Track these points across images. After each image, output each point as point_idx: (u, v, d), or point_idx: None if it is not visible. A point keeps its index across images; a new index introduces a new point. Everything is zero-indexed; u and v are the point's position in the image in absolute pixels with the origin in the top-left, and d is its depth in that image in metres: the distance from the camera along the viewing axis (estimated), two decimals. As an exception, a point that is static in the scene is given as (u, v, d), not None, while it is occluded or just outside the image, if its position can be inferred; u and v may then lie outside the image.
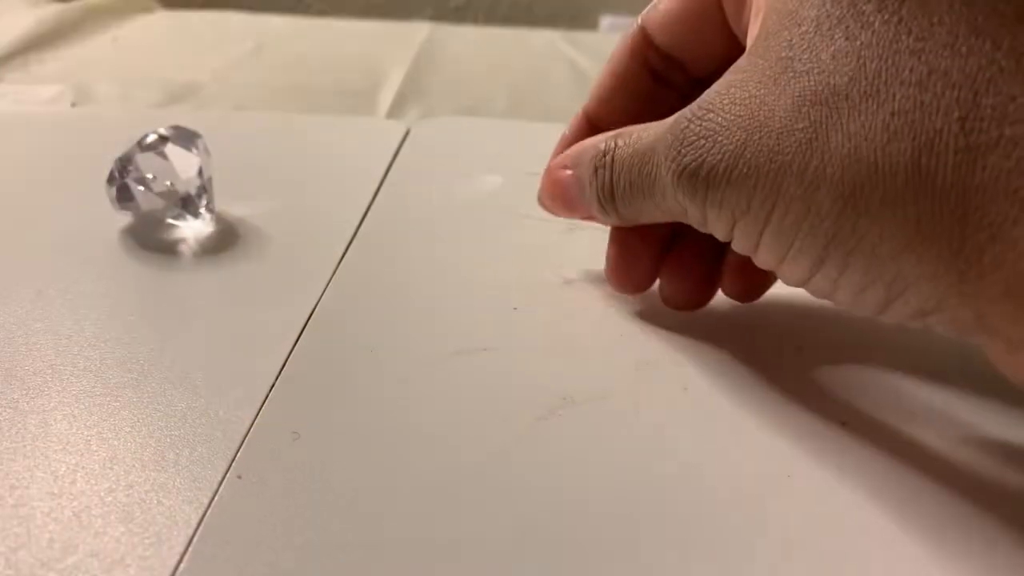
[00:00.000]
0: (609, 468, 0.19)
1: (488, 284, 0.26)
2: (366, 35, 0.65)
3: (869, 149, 0.16)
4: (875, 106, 0.16)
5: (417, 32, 0.65)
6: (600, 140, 0.23)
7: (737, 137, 0.18)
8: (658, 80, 0.25)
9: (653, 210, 0.22)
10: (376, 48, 0.60)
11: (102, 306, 0.25)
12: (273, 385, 0.21)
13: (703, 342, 0.23)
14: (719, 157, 0.18)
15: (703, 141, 0.19)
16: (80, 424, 0.20)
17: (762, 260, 0.19)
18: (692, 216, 0.20)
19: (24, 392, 0.21)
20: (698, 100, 0.20)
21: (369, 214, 0.31)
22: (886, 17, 0.17)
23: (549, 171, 0.25)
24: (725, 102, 0.19)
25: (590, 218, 0.25)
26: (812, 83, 0.17)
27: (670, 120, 0.20)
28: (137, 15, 0.67)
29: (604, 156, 0.22)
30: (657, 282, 0.25)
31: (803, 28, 0.18)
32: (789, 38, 0.18)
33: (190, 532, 0.17)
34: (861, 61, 0.17)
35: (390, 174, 0.36)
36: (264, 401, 0.21)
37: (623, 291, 0.25)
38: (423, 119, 0.45)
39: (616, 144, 0.22)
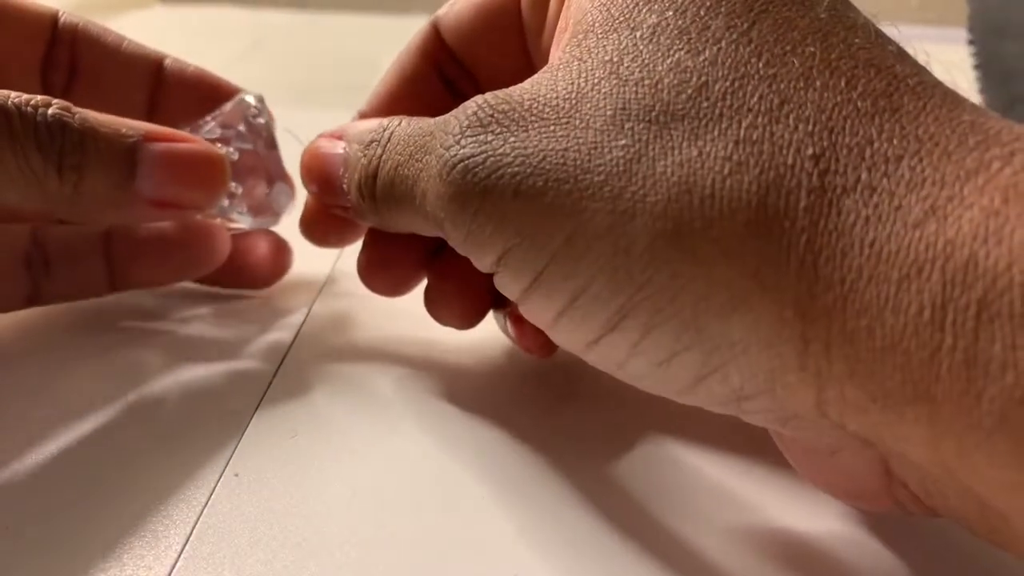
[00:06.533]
0: (609, 465, 0.19)
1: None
2: (365, 30, 0.65)
3: (705, 179, 0.13)
4: (717, 132, 0.14)
5: (416, 26, 0.65)
6: (389, 117, 0.19)
7: (536, 142, 0.15)
8: (450, 89, 0.22)
9: (411, 213, 0.17)
10: (375, 43, 0.60)
11: (99, 302, 0.25)
12: (271, 383, 0.21)
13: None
14: (509, 160, 0.15)
15: (491, 137, 0.15)
16: (77, 422, 0.20)
17: (532, 310, 0.16)
18: (450, 230, 0.16)
19: (21, 392, 0.21)
20: (498, 90, 0.16)
21: (367, 210, 0.31)
22: (735, 36, 0.14)
23: (314, 143, 0.21)
24: (526, 97, 0.15)
25: (348, 213, 0.20)
26: (641, 95, 0.14)
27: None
28: (135, 10, 0.67)
29: (384, 131, 0.18)
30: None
31: (637, 33, 0.15)
32: (618, 41, 0.15)
33: (187, 530, 0.17)
34: (703, 79, 0.14)
35: (388, 170, 0.35)
36: (261, 399, 0.21)
37: (377, 292, 0.21)
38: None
39: (400, 121, 0.18)
